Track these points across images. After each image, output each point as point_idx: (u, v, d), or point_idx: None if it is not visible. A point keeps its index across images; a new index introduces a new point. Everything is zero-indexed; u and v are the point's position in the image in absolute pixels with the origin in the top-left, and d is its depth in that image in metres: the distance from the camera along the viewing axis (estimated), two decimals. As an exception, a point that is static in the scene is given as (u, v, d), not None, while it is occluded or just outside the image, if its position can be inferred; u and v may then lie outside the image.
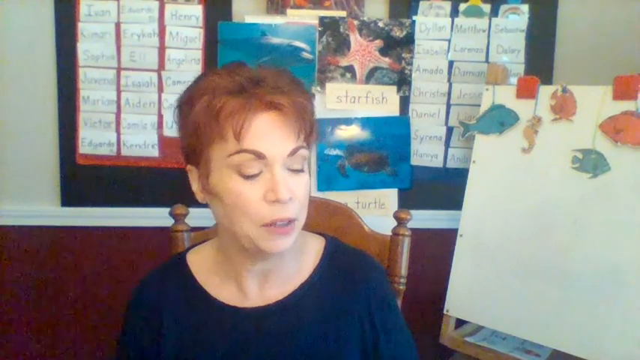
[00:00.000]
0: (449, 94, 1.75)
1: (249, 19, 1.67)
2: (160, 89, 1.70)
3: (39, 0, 1.65)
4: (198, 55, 1.69)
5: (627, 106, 1.34)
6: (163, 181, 1.69)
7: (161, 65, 1.69)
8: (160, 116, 1.70)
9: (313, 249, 0.88)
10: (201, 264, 0.87)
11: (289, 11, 1.68)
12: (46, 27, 1.66)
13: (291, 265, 0.85)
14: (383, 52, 1.71)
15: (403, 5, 1.73)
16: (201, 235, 1.12)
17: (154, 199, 1.65)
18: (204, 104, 0.74)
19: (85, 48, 1.67)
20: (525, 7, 1.73)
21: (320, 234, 0.92)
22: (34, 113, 1.69)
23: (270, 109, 0.73)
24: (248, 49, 1.66)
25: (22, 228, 1.72)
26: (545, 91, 1.48)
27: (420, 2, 1.72)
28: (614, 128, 1.35)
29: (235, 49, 1.66)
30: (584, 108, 1.41)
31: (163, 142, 1.71)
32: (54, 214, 1.71)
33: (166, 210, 1.14)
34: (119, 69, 1.68)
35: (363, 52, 1.71)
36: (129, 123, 1.69)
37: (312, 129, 0.78)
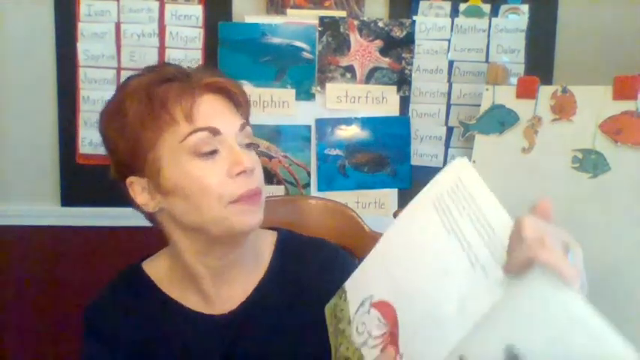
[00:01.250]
0: (449, 94, 1.75)
1: (249, 19, 1.67)
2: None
3: (39, 0, 1.66)
4: (198, 55, 1.69)
5: (627, 106, 1.34)
6: (163, 181, 1.69)
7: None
8: (160, 116, 1.70)
9: (267, 243, 0.86)
10: (161, 273, 0.84)
11: (289, 11, 1.68)
12: (46, 27, 1.66)
13: (248, 262, 0.82)
14: (383, 52, 1.71)
15: (403, 5, 1.73)
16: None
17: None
18: (143, 100, 0.73)
19: (85, 48, 1.67)
20: (525, 7, 1.73)
21: (274, 228, 0.90)
22: (34, 113, 1.69)
23: (213, 90, 0.75)
24: (248, 49, 1.66)
25: (22, 228, 1.73)
26: (545, 91, 1.48)
27: (420, 2, 1.72)
28: (614, 128, 1.35)
29: (235, 49, 1.66)
30: (584, 108, 1.41)
31: (163, 142, 1.71)
32: (54, 214, 1.72)
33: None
34: (119, 69, 1.68)
35: (363, 52, 1.71)
36: (129, 123, 1.69)
37: (249, 109, 0.81)
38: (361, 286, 0.68)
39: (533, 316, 0.47)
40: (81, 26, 1.66)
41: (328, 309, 0.72)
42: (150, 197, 0.76)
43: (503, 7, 1.73)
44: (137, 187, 0.77)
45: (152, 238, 0.83)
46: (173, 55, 1.68)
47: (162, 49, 1.69)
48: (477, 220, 0.57)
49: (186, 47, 1.69)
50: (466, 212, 0.58)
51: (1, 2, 1.66)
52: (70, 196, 1.71)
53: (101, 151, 0.81)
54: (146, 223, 0.83)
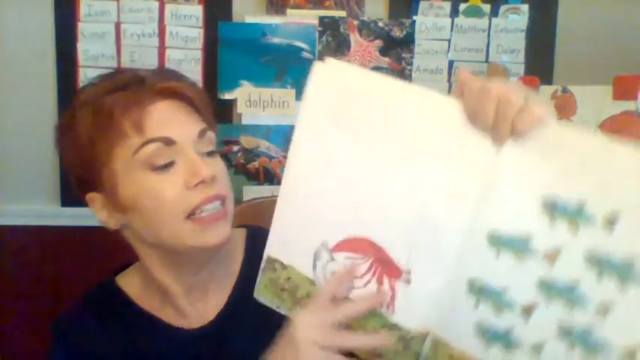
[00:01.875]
0: (449, 93, 1.75)
1: (249, 19, 1.67)
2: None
3: (39, 0, 1.65)
4: (198, 55, 1.69)
5: (627, 106, 1.34)
6: (163, 181, 1.69)
7: (161, 65, 1.69)
8: (160, 116, 1.70)
9: (238, 245, 0.81)
10: (134, 286, 0.78)
11: (289, 11, 1.68)
12: (46, 27, 1.66)
13: (222, 271, 0.77)
14: (383, 52, 1.71)
15: (403, 5, 1.73)
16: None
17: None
18: (90, 113, 0.68)
19: (85, 48, 1.66)
20: (525, 7, 1.73)
21: (243, 226, 0.84)
22: (34, 113, 1.69)
23: (166, 96, 0.69)
24: (248, 49, 1.66)
25: (22, 228, 1.72)
26: (545, 91, 1.48)
27: (420, 2, 1.72)
28: (614, 128, 1.35)
29: (235, 49, 1.66)
30: (584, 108, 1.41)
31: (163, 142, 1.71)
32: (54, 214, 1.71)
33: (166, 210, 1.14)
34: (119, 69, 1.68)
35: (363, 52, 1.71)
36: (129, 123, 1.69)
37: (212, 112, 0.75)
38: (296, 243, 0.63)
39: (554, 160, 0.49)
40: (81, 26, 1.66)
41: (263, 290, 0.66)
42: (109, 214, 0.72)
43: (503, 7, 1.73)
44: (97, 204, 0.72)
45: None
46: (173, 55, 1.68)
47: (162, 49, 1.69)
48: (402, 113, 0.55)
49: (186, 47, 1.69)
50: (382, 111, 0.56)
51: (1, 2, 1.66)
52: (70, 196, 1.71)
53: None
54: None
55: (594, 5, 1.74)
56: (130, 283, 0.79)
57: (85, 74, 1.67)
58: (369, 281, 0.59)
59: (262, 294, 0.66)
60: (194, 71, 1.69)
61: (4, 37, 1.66)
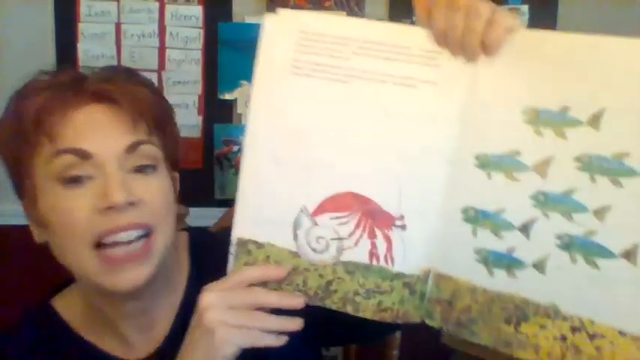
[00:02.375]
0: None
1: (250, 20, 1.67)
2: (160, 90, 1.69)
3: (39, 0, 1.65)
4: (199, 55, 1.69)
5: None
6: (163, 182, 1.69)
7: (161, 66, 1.69)
8: (160, 116, 1.70)
9: (180, 254, 0.70)
10: (73, 310, 0.68)
11: (289, 11, 1.68)
12: (46, 27, 1.66)
13: (164, 288, 0.65)
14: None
15: (403, 5, 1.72)
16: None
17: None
18: (11, 114, 0.60)
19: (85, 48, 1.67)
20: (525, 8, 1.72)
21: (184, 229, 0.75)
22: (35, 113, 1.69)
23: (96, 101, 0.59)
24: (248, 49, 1.65)
25: (22, 228, 1.72)
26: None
27: (420, 2, 1.72)
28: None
29: (235, 50, 1.66)
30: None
31: (163, 142, 1.71)
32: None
33: (166, 210, 1.14)
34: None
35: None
36: (129, 123, 1.69)
37: (159, 121, 0.62)
38: (269, 216, 0.57)
39: (539, 67, 0.48)
40: (81, 26, 1.66)
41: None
42: (35, 227, 0.64)
43: (503, 8, 1.73)
44: (27, 213, 0.65)
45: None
46: (173, 56, 1.68)
47: (162, 49, 1.69)
48: (373, 50, 0.53)
49: (187, 47, 1.69)
50: (349, 52, 0.53)
51: (2, 2, 1.66)
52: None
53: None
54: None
55: (594, 5, 1.74)
56: (67, 305, 0.68)
57: (85, 74, 1.67)
58: (360, 237, 0.55)
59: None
60: (194, 71, 1.69)
61: (4, 37, 1.66)
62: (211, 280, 0.57)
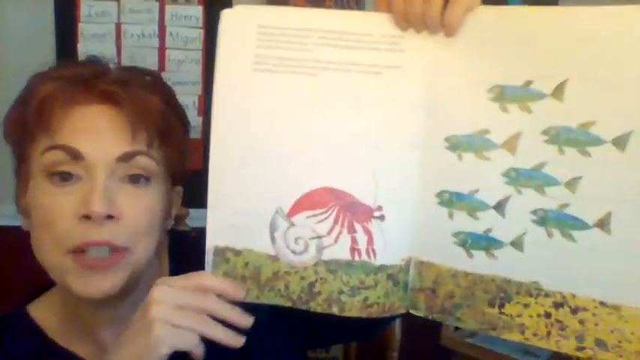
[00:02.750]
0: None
1: (250, 20, 1.67)
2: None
3: (39, 0, 1.66)
4: (199, 55, 1.69)
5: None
6: (163, 182, 1.69)
7: (161, 66, 1.69)
8: (160, 117, 1.70)
9: (161, 255, 0.68)
10: (49, 317, 0.65)
11: (289, 12, 1.69)
12: (46, 27, 1.66)
13: (145, 292, 0.57)
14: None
15: (403, 6, 1.73)
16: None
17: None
18: (20, 99, 0.60)
19: (85, 48, 1.67)
20: (525, 9, 1.73)
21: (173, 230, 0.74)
22: (34, 114, 1.69)
23: (103, 101, 0.57)
24: (248, 49, 1.66)
25: (22, 228, 1.72)
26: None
27: (420, 3, 1.72)
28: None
29: (235, 50, 1.67)
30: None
31: (163, 142, 1.71)
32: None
33: (166, 211, 1.14)
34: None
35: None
36: (129, 123, 1.69)
37: (163, 133, 0.60)
38: (244, 221, 0.55)
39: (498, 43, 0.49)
40: (81, 27, 1.66)
41: None
42: (22, 213, 0.62)
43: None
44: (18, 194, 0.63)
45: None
46: (173, 56, 1.68)
47: (162, 49, 1.69)
48: (334, 39, 0.52)
49: (187, 48, 1.69)
50: (311, 43, 0.52)
51: (2, 2, 1.66)
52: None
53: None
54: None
55: (594, 5, 1.74)
56: (44, 311, 0.66)
57: (85, 75, 1.67)
58: (339, 233, 0.54)
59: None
60: (194, 72, 1.69)
61: (4, 37, 1.66)
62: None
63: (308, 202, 0.54)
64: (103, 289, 0.55)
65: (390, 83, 0.52)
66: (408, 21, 0.50)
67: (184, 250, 0.68)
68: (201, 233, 0.64)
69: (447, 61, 0.51)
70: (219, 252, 0.55)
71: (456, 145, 0.51)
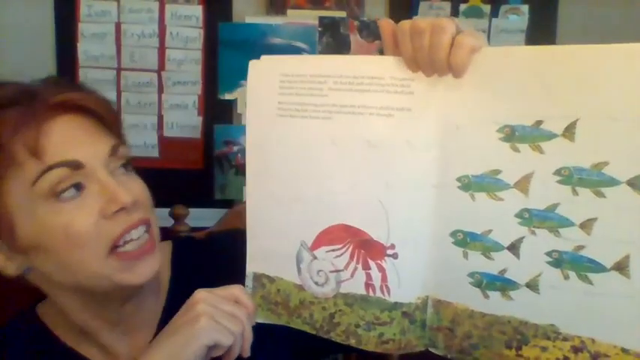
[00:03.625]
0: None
1: (250, 20, 1.67)
2: (160, 90, 1.70)
3: (39, 0, 1.66)
4: (199, 55, 1.69)
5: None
6: (163, 182, 1.66)
7: (161, 66, 1.69)
8: (160, 117, 1.70)
9: (164, 264, 0.70)
10: (57, 318, 0.66)
11: (289, 12, 1.68)
12: (46, 27, 1.66)
13: (149, 295, 0.66)
14: (383, 52, 1.71)
15: (403, 6, 1.73)
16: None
17: (154, 200, 1.65)
18: None
19: (85, 48, 1.67)
20: (525, 8, 1.73)
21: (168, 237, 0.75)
22: (34, 113, 1.69)
23: (65, 110, 0.58)
24: (248, 49, 1.66)
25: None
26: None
27: (420, 3, 1.72)
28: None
29: (235, 50, 1.66)
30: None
31: (163, 142, 1.71)
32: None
33: (166, 210, 1.14)
34: (119, 69, 1.68)
35: (363, 52, 1.71)
36: (129, 124, 1.68)
37: (118, 121, 0.64)
38: (275, 251, 0.60)
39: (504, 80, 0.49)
40: (81, 26, 1.66)
41: (258, 310, 0.61)
42: (7, 259, 0.60)
43: (504, 8, 1.73)
44: None
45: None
46: (173, 56, 1.68)
47: (162, 49, 1.69)
48: (348, 84, 0.55)
49: (186, 47, 1.69)
50: (326, 89, 0.55)
51: (2, 2, 1.66)
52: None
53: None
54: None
55: (595, 5, 1.74)
56: (51, 309, 0.67)
57: (86, 75, 1.67)
58: (355, 269, 0.57)
59: (257, 314, 0.61)
60: (194, 72, 1.69)
61: (4, 37, 1.66)
62: (191, 288, 0.58)
63: (326, 237, 0.57)
64: (152, 269, 0.60)
65: (402, 125, 0.53)
66: (417, 64, 0.51)
67: (185, 260, 0.72)
68: (208, 238, 0.71)
69: (456, 102, 0.51)
70: (257, 278, 0.62)
71: (468, 185, 0.51)
